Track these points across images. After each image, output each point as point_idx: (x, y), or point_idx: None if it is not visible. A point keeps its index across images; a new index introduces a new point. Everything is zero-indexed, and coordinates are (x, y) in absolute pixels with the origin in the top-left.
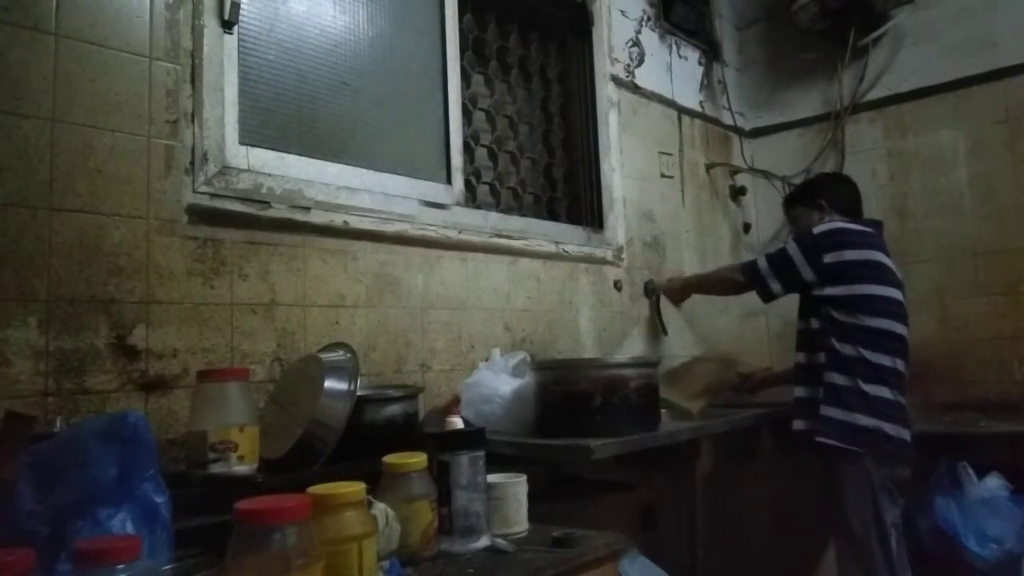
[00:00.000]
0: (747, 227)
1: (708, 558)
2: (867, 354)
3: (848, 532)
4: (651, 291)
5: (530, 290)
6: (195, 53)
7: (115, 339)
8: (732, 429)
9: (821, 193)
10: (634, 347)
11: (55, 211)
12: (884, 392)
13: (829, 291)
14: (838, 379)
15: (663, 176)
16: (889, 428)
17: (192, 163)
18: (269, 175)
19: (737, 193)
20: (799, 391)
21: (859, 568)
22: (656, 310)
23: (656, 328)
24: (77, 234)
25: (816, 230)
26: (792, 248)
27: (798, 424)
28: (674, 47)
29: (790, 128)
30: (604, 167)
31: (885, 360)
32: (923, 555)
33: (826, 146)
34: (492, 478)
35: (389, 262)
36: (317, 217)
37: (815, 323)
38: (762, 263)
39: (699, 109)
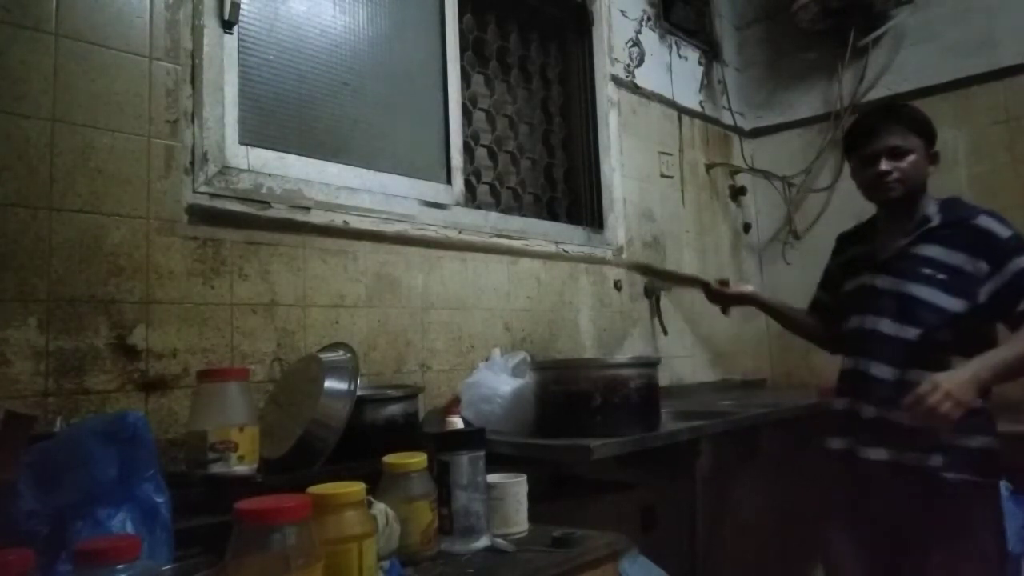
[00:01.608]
0: (747, 227)
1: (708, 558)
2: None
3: None
4: None
5: (530, 290)
6: (195, 53)
7: (115, 339)
8: (732, 429)
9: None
10: (634, 347)
11: (55, 211)
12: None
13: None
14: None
15: (663, 176)
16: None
17: (192, 163)
18: (269, 175)
19: (737, 193)
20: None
21: None
22: (656, 310)
23: (656, 328)
24: (77, 234)
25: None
26: None
27: (915, 459)
28: (674, 47)
29: (790, 128)
30: (604, 167)
31: None
32: None
33: (826, 146)
34: (492, 478)
35: (389, 262)
36: (317, 217)
37: (946, 335)
38: None
39: (699, 109)
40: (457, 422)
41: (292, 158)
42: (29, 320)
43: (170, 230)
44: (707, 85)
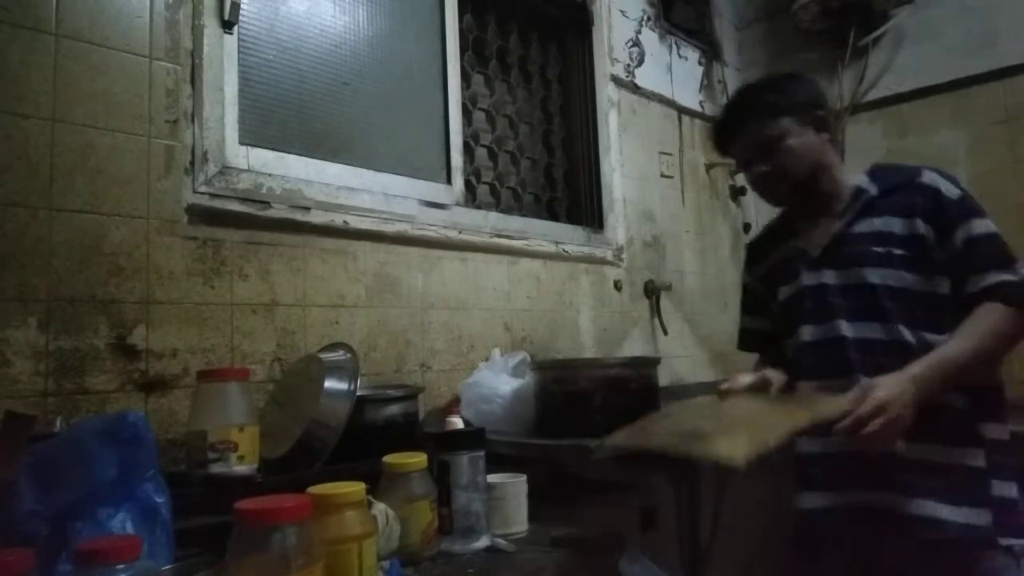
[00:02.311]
0: (747, 227)
1: (708, 558)
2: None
3: None
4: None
5: (530, 290)
6: (195, 53)
7: (115, 339)
8: None
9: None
10: (634, 347)
11: (55, 211)
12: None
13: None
14: (1002, 433)
15: (663, 176)
16: None
17: (192, 163)
18: (269, 175)
19: (737, 193)
20: (943, 454)
21: None
22: (656, 310)
23: (656, 328)
24: (77, 234)
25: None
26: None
27: (952, 514)
28: (674, 47)
29: None
30: (604, 167)
31: None
32: None
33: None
34: (492, 478)
35: (389, 262)
36: (317, 217)
37: (925, 324)
38: None
39: (699, 109)
40: (457, 422)
41: (292, 158)
42: (29, 320)
43: (170, 230)
44: (707, 85)
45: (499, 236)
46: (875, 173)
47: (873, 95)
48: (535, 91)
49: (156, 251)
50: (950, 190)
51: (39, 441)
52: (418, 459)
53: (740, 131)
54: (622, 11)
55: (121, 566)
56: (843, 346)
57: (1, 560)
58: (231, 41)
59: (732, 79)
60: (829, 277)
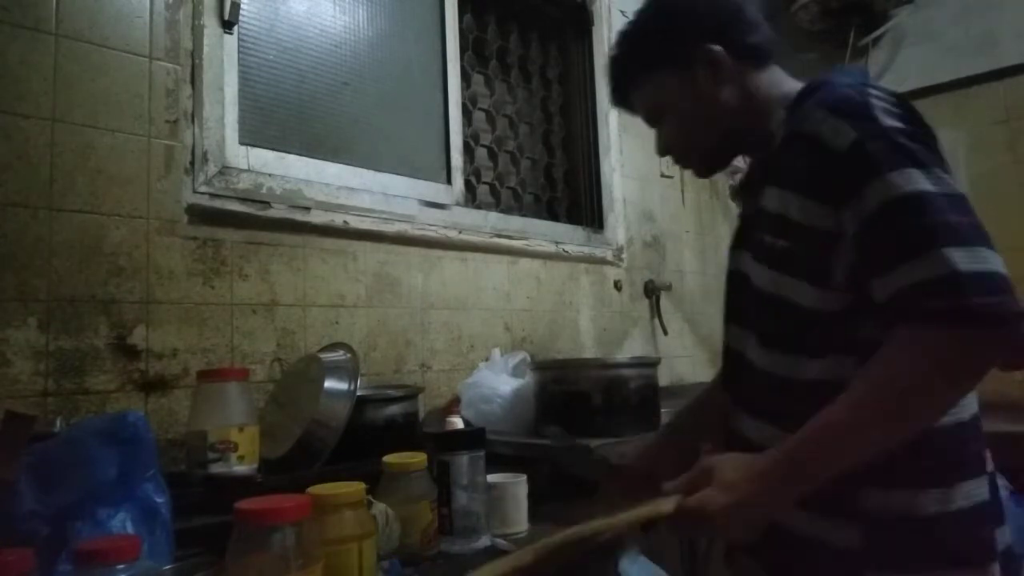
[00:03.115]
0: None
1: (708, 558)
2: None
3: None
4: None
5: (530, 290)
6: (195, 53)
7: (115, 339)
8: None
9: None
10: (634, 347)
11: (55, 211)
12: None
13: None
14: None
15: (663, 176)
16: None
17: (192, 163)
18: (269, 175)
19: (737, 193)
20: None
21: None
22: (656, 310)
23: (656, 328)
24: (77, 234)
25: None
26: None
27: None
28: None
29: None
30: (604, 167)
31: None
32: None
33: None
34: (492, 478)
35: (389, 262)
36: (317, 217)
37: (820, 352)
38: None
39: None
40: (457, 422)
41: (292, 158)
42: (29, 320)
43: (170, 230)
44: None
45: (499, 236)
46: (796, 99)
47: None
48: (535, 91)
49: (156, 251)
50: (837, 136)
51: (39, 441)
52: (418, 459)
53: (622, 104)
54: (622, 11)
55: (121, 566)
56: (743, 367)
57: (1, 560)
58: (231, 41)
59: None
60: (746, 263)
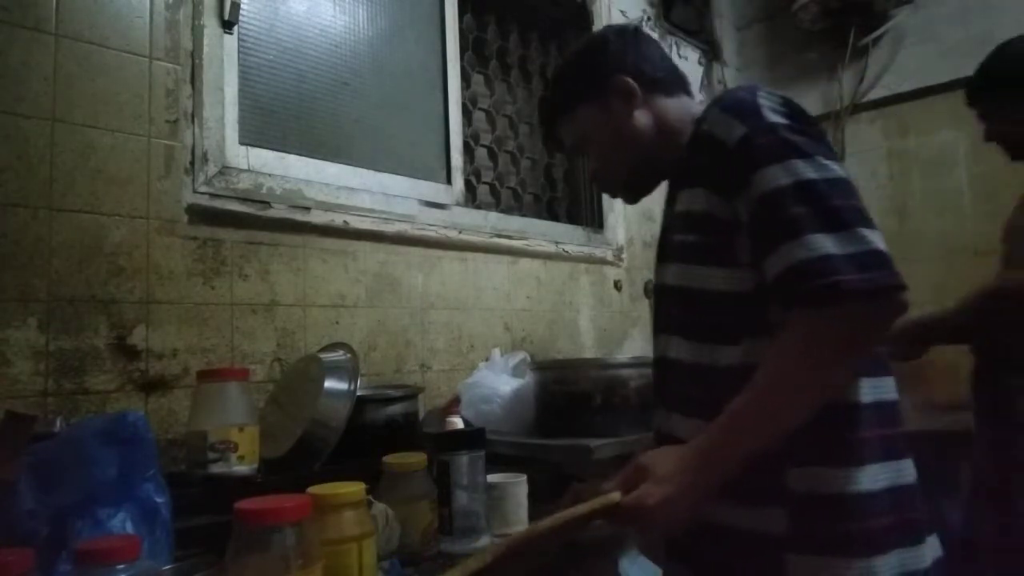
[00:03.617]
0: None
1: None
2: None
3: None
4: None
5: (530, 290)
6: (195, 53)
7: (115, 339)
8: None
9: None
10: (634, 347)
11: (55, 211)
12: None
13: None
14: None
15: None
16: None
17: (192, 163)
18: (269, 175)
19: None
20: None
21: None
22: None
23: None
24: (77, 234)
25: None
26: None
27: None
28: (674, 47)
29: None
30: None
31: None
32: None
33: None
34: (492, 478)
35: (389, 262)
36: (317, 217)
37: (738, 339)
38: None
39: None
40: (457, 422)
41: (292, 158)
42: (29, 320)
43: (170, 230)
44: (707, 85)
45: (499, 236)
46: (705, 111)
47: (873, 95)
48: (535, 91)
49: (156, 251)
50: (730, 132)
51: (39, 441)
52: (418, 459)
53: (552, 137)
54: (622, 11)
55: (121, 566)
56: (667, 368)
57: (1, 560)
58: (231, 41)
59: (732, 79)
60: (665, 272)
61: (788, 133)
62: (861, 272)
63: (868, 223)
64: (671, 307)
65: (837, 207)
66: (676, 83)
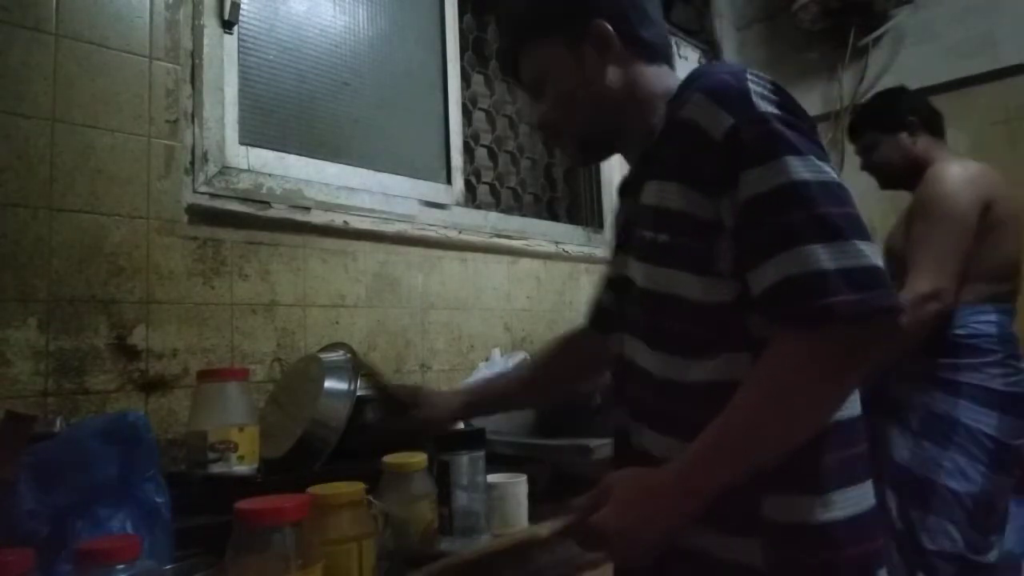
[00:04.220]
0: None
1: None
2: None
3: None
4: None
5: (530, 290)
6: (195, 53)
7: (115, 339)
8: None
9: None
10: None
11: (55, 211)
12: None
13: None
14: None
15: None
16: None
17: (192, 163)
18: (269, 175)
19: None
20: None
21: None
22: None
23: None
24: (77, 234)
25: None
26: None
27: None
28: (674, 47)
29: None
30: (604, 167)
31: None
32: None
33: (826, 146)
34: (492, 478)
35: (389, 262)
36: (317, 217)
37: (711, 351)
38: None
39: None
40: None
41: (292, 158)
42: (29, 320)
43: (170, 230)
44: None
45: (499, 236)
46: (680, 89)
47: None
48: None
49: (156, 251)
50: (715, 122)
51: (39, 441)
52: (418, 459)
53: (506, 75)
54: None
55: (121, 566)
56: (639, 378)
57: (1, 560)
58: (231, 41)
59: None
60: (629, 266)
61: (780, 125)
62: (856, 292)
63: (864, 234)
64: (636, 309)
65: (832, 215)
66: (661, 51)
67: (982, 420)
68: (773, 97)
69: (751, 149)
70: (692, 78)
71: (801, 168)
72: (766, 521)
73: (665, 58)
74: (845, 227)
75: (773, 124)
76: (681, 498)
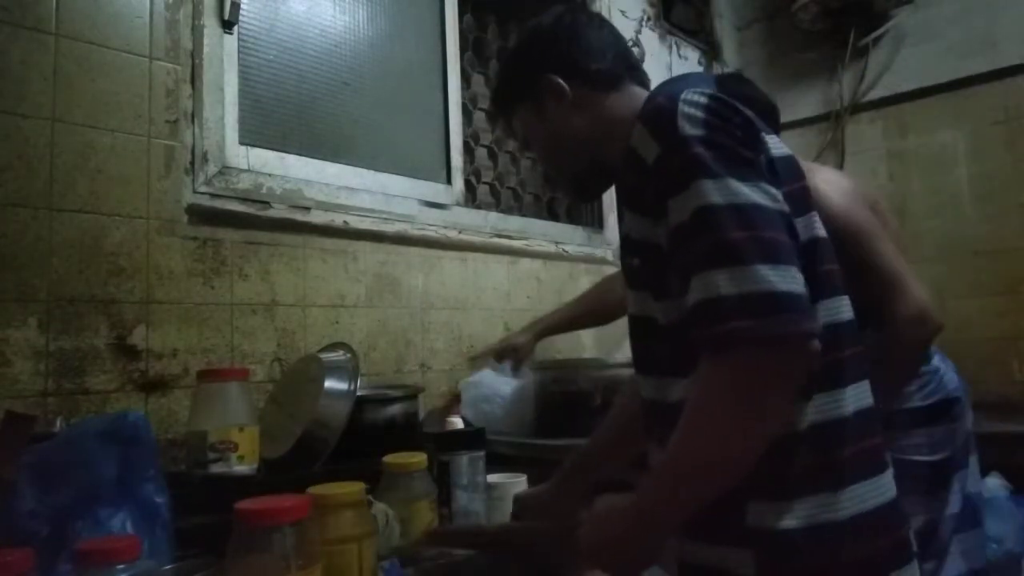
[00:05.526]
0: None
1: None
2: None
3: None
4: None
5: (530, 290)
6: (195, 53)
7: (115, 339)
8: None
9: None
10: None
11: (55, 211)
12: None
13: None
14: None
15: None
16: None
17: (192, 163)
18: (269, 175)
19: None
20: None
21: None
22: None
23: None
24: (77, 234)
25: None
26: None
27: None
28: (674, 47)
29: (790, 128)
30: None
31: None
32: None
33: (826, 146)
34: (492, 478)
35: (389, 262)
36: (317, 217)
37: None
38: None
39: None
40: (457, 422)
41: (292, 158)
42: (29, 320)
43: (170, 230)
44: None
45: (499, 236)
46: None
47: (873, 95)
48: None
49: (156, 251)
50: (648, 150)
51: (39, 441)
52: (418, 459)
53: (511, 136)
54: (622, 11)
55: (121, 566)
56: (645, 405)
57: (1, 560)
58: (231, 41)
59: None
60: (629, 301)
61: (700, 148)
62: (751, 318)
63: (772, 258)
64: (631, 339)
65: (735, 240)
66: (624, 74)
67: (912, 444)
68: (701, 115)
69: (672, 176)
70: (649, 96)
71: (713, 192)
72: (753, 530)
73: (632, 78)
74: (747, 252)
75: (693, 148)
76: (642, 523)
